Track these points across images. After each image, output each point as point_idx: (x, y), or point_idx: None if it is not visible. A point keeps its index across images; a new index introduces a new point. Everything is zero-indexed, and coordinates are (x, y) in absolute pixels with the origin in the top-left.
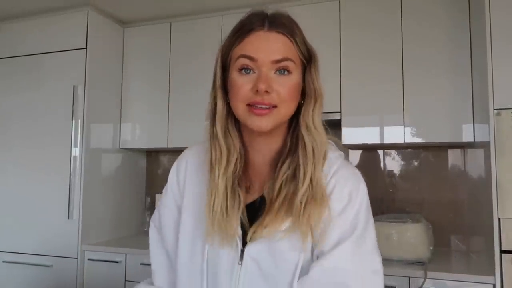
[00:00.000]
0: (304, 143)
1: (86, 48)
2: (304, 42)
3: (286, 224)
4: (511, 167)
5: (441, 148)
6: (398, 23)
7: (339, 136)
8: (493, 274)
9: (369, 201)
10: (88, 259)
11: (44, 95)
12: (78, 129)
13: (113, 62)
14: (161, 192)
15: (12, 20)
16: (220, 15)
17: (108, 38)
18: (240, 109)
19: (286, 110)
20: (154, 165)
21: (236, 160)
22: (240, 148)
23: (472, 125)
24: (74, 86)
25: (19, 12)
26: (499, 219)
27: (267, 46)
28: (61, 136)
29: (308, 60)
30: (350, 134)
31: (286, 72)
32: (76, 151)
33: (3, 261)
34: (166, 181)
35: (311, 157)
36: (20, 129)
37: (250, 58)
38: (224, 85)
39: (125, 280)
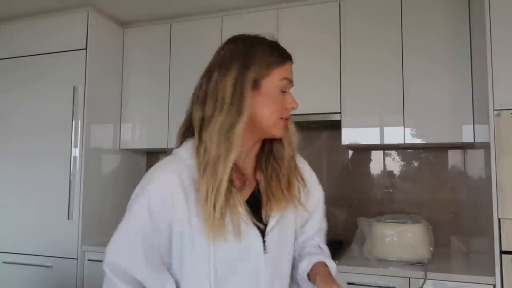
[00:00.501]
0: (287, 140)
1: (86, 48)
2: None
3: (284, 202)
4: (511, 168)
5: (441, 148)
6: (398, 26)
7: (339, 136)
8: (493, 274)
9: None
10: (88, 260)
11: (44, 96)
12: (78, 130)
13: (113, 62)
14: None
15: (12, 20)
16: (220, 16)
17: (108, 39)
18: (272, 119)
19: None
20: None
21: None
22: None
23: (472, 126)
24: (74, 86)
25: (19, 12)
26: (499, 219)
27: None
28: (61, 136)
29: None
30: (350, 135)
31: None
32: (76, 152)
33: (3, 262)
34: None
35: (291, 148)
36: (20, 129)
37: (291, 82)
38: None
39: None
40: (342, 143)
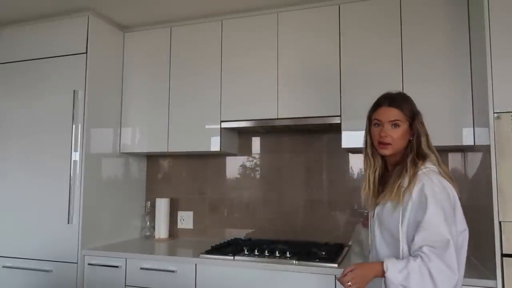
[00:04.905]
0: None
1: (86, 52)
2: (410, 108)
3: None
4: None
5: (442, 151)
6: (397, 27)
7: (339, 139)
8: (495, 278)
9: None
10: (88, 264)
11: (44, 100)
12: (78, 134)
13: (113, 66)
14: (161, 197)
15: (12, 25)
16: (220, 19)
17: (108, 43)
18: (375, 144)
19: (397, 146)
20: (154, 170)
21: (376, 168)
22: (381, 164)
23: (472, 128)
24: (74, 90)
25: (20, 17)
26: (500, 222)
27: (387, 114)
28: (61, 140)
29: (412, 117)
30: (350, 138)
31: (395, 126)
32: (76, 156)
33: (3, 266)
34: (166, 185)
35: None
36: (20, 133)
37: (380, 121)
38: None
39: (125, 285)
40: (342, 147)
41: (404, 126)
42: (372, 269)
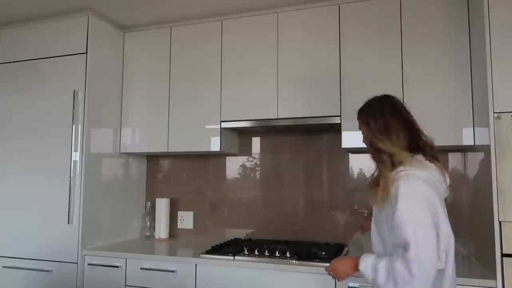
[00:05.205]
0: None
1: (86, 53)
2: (365, 112)
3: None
4: None
5: (442, 151)
6: (397, 27)
7: (339, 139)
8: (495, 278)
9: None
10: (88, 264)
11: (44, 100)
12: (78, 134)
13: (113, 66)
14: (161, 197)
15: (13, 25)
16: (220, 20)
17: (108, 43)
18: None
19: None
20: (154, 170)
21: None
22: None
23: (472, 128)
24: (74, 91)
25: (20, 17)
26: (500, 222)
27: None
28: (62, 140)
29: (367, 120)
30: (350, 138)
31: (362, 132)
32: (76, 156)
33: (3, 266)
34: (166, 185)
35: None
36: (20, 133)
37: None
38: None
39: (126, 285)
40: (342, 147)
41: (364, 129)
42: (350, 262)
